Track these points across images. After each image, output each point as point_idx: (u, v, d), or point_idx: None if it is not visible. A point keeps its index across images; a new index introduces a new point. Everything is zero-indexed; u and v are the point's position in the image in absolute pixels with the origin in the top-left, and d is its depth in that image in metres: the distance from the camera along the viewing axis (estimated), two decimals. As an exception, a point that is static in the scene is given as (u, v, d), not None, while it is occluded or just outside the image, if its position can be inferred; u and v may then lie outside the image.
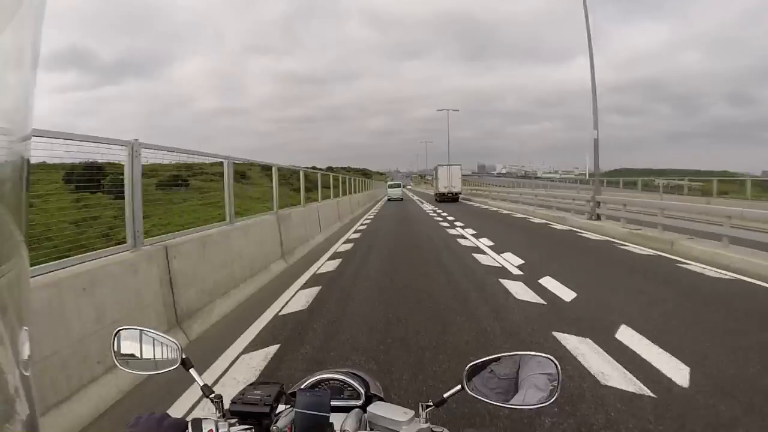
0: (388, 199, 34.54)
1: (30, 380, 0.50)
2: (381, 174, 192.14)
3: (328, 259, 8.03)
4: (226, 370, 3.26)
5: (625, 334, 3.73)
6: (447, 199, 30.32)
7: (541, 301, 4.83)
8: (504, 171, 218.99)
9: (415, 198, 36.20)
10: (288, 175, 10.73)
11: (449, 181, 30.92)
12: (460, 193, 31.48)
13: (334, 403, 0.90)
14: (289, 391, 0.94)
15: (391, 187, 38.28)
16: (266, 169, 10.17)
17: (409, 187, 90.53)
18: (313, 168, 16.73)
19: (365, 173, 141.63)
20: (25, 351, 0.50)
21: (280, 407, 0.89)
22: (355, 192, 23.31)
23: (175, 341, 0.97)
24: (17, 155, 0.48)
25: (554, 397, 0.84)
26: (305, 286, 5.96)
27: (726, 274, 6.14)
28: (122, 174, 3.60)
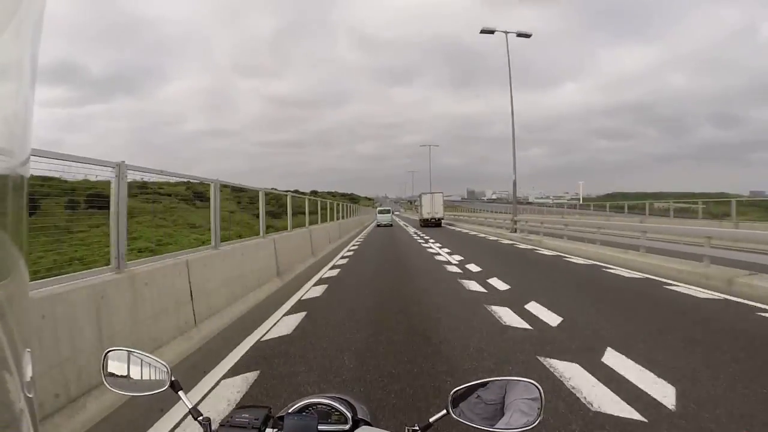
0: (377, 225, 36.59)
1: (33, 402, 0.52)
2: (369, 199, 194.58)
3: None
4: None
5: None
6: (430, 224, 33.71)
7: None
8: (494, 197, 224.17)
9: (410, 229, 31.06)
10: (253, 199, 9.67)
11: (432, 207, 34.49)
12: (443, 219, 35.20)
13: (321, 427, 0.94)
14: (276, 415, 0.98)
15: (380, 212, 40.49)
16: (237, 191, 9.39)
17: (397, 213, 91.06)
18: (296, 192, 16.10)
19: (352, 198, 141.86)
20: (28, 372, 0.51)
21: (268, 431, 0.93)
22: (340, 218, 22.37)
23: (164, 363, 1.01)
24: (17, 171, 0.49)
25: (537, 421, 0.89)
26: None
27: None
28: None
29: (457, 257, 12.28)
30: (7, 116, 0.48)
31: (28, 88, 0.51)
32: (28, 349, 0.51)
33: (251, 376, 3.59)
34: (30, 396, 0.51)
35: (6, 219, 0.47)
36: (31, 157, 2.58)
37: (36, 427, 0.52)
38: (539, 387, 0.92)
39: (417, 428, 0.95)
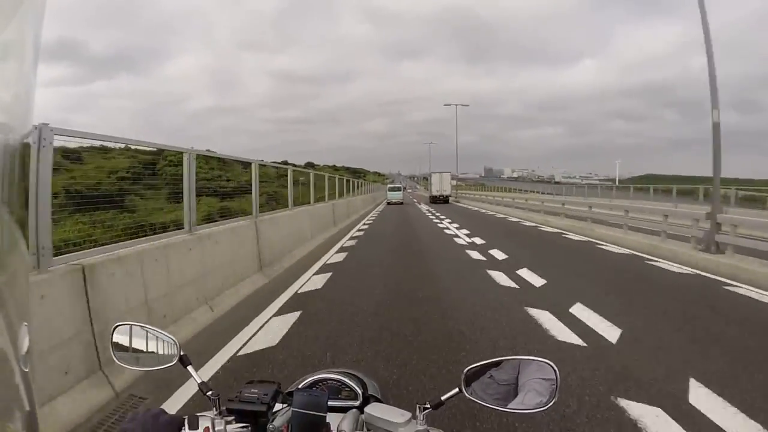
0: (388, 203, 39.51)
1: (29, 376, 0.56)
2: (380, 175, 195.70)
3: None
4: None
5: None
6: (439, 200, 41.33)
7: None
8: (515, 175, 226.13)
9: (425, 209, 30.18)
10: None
11: (441, 185, 42.45)
12: (450, 196, 43.53)
13: (331, 403, 1.02)
14: (286, 391, 1.06)
15: (391, 190, 43.33)
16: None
17: (409, 190, 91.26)
18: (284, 163, 13.23)
19: (356, 172, 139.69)
20: (24, 346, 0.55)
21: (277, 406, 1.01)
22: (330, 198, 16.63)
23: (173, 338, 1.09)
24: (17, 151, 0.53)
25: (552, 401, 0.95)
26: None
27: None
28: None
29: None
30: (9, 96, 0.51)
31: (30, 68, 0.54)
32: (25, 323, 0.55)
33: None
34: (26, 370, 0.55)
35: (7, 198, 0.51)
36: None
37: (32, 400, 0.56)
38: (555, 367, 0.97)
39: (428, 406, 1.02)
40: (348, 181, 24.76)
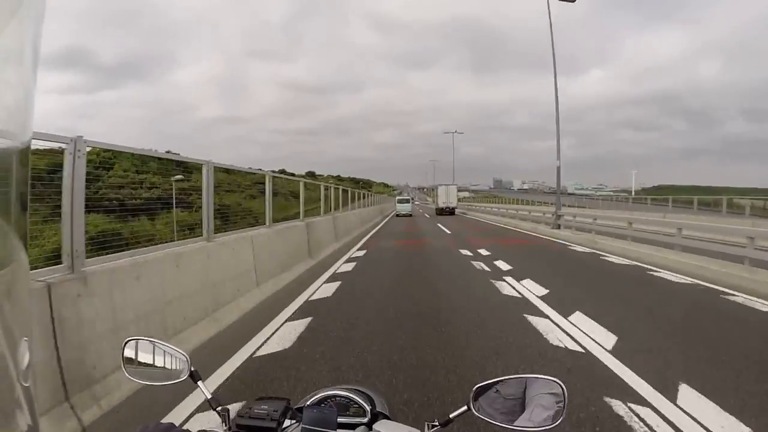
0: (396, 215, 41.41)
1: (30, 391, 0.56)
2: (388, 186, 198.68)
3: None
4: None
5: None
6: (445, 212, 43.30)
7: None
8: (525, 187, 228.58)
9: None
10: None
11: (447, 198, 44.81)
12: (456, 208, 45.38)
13: (340, 419, 1.04)
14: (295, 407, 1.08)
15: (400, 202, 45.57)
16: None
17: (417, 203, 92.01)
18: (282, 172, 11.60)
19: (359, 182, 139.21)
20: (25, 361, 0.55)
21: (287, 422, 1.03)
22: (312, 214, 12.89)
23: (184, 353, 1.11)
24: (18, 157, 0.53)
25: (560, 419, 0.96)
26: None
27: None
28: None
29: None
30: (8, 102, 0.52)
31: (29, 74, 0.55)
32: (26, 338, 0.55)
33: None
34: (26, 385, 0.55)
35: (7, 207, 0.51)
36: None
37: (34, 415, 0.57)
38: (562, 384, 0.98)
39: (437, 423, 1.04)
40: (346, 191, 20.55)
